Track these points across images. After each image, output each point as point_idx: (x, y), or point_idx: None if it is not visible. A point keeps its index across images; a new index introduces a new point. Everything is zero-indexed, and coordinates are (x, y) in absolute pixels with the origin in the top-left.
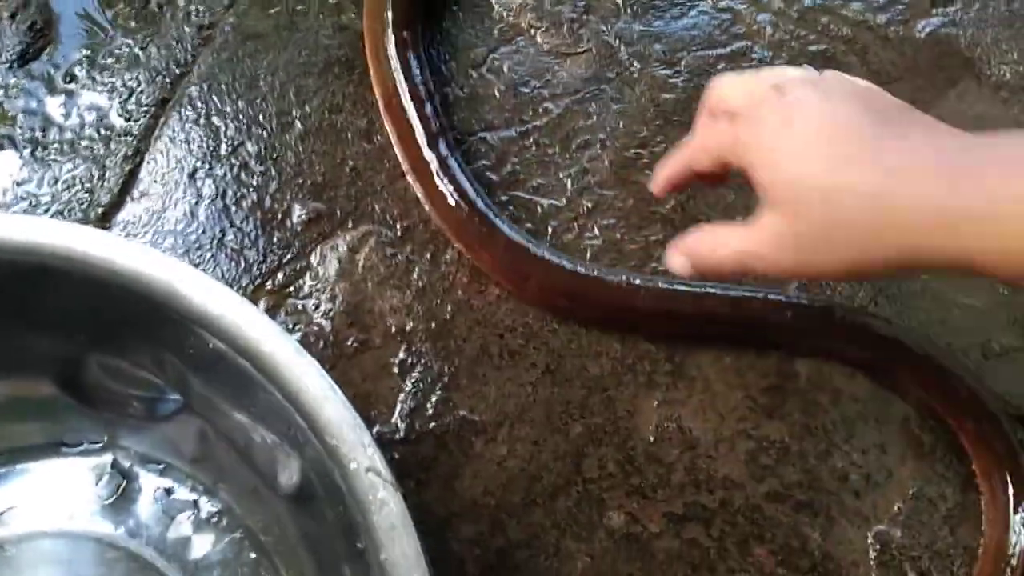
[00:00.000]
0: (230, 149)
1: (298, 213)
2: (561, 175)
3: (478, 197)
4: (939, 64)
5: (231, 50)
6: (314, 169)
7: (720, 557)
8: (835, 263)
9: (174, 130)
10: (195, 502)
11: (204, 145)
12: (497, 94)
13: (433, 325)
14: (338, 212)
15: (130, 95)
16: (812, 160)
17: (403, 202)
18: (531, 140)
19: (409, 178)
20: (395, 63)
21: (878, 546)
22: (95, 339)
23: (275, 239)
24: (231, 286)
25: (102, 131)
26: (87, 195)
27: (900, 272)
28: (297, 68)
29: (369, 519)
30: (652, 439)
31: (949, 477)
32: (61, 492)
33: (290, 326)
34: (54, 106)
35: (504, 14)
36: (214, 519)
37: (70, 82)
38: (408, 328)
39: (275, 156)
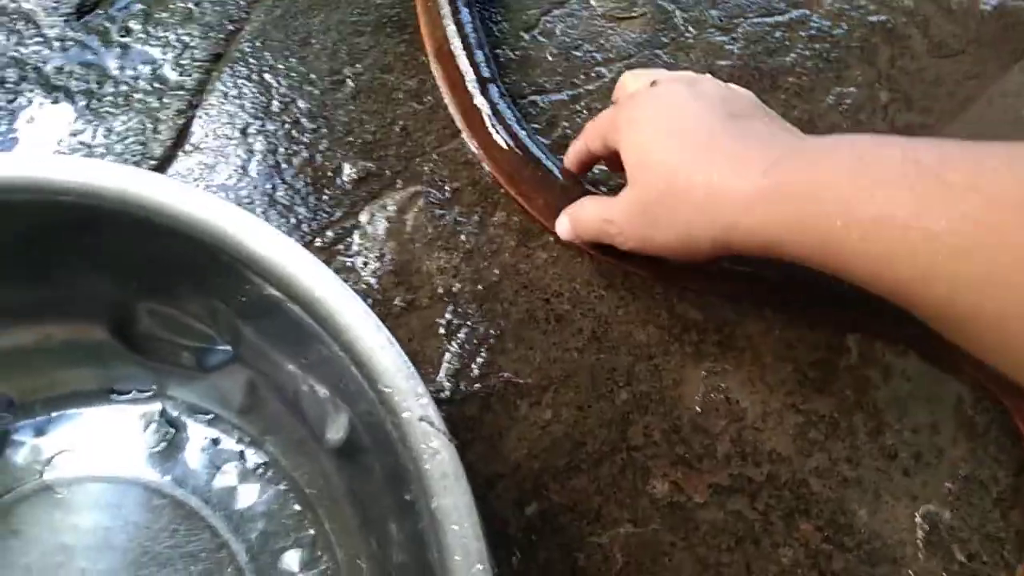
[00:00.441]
0: (282, 106)
1: (348, 172)
2: None
3: (531, 142)
4: (1004, 37)
5: (284, 7)
6: (364, 128)
7: (765, 531)
8: (671, 237)
9: (226, 86)
10: (241, 453)
11: (256, 101)
12: (549, 57)
13: (480, 287)
14: (387, 172)
15: (184, 50)
16: (662, 144)
17: (452, 164)
18: (582, 104)
19: (460, 126)
20: (446, 11)
21: (926, 526)
22: (148, 286)
23: (325, 197)
24: None
25: (156, 85)
26: (140, 147)
27: (724, 251)
28: (349, 27)
29: (421, 468)
30: (699, 409)
31: (1003, 460)
32: (111, 438)
33: None
34: (109, 59)
35: None
36: (259, 470)
37: (125, 36)
38: (455, 290)
39: (326, 114)
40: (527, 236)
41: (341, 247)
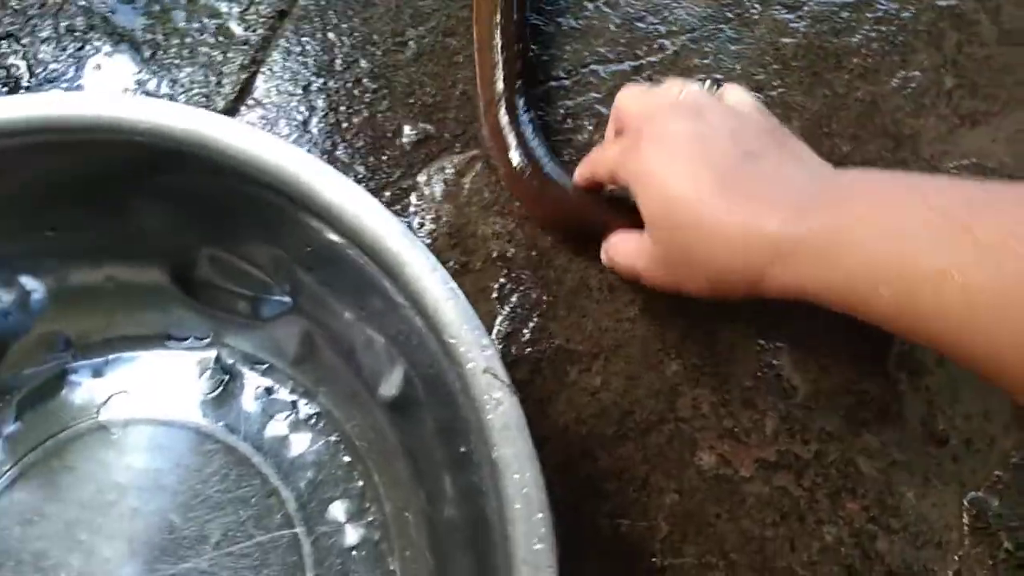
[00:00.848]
0: (344, 65)
1: (408, 133)
2: None
3: (546, 159)
4: None
5: None
6: (425, 91)
7: (810, 508)
8: (699, 285)
9: (290, 43)
10: (294, 403)
11: (319, 60)
12: (612, 27)
13: (534, 254)
14: (446, 135)
15: (249, 5)
16: (674, 191)
17: None
18: (644, 76)
19: (481, 123)
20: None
21: (974, 512)
22: (212, 232)
23: (384, 157)
24: None
25: (220, 39)
26: (203, 99)
27: (760, 296)
28: None
29: (483, 418)
30: (749, 384)
31: None
32: (165, 383)
33: None
34: (176, 12)
35: None
36: (311, 420)
37: None
38: (509, 255)
39: (387, 75)
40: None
41: (398, 207)
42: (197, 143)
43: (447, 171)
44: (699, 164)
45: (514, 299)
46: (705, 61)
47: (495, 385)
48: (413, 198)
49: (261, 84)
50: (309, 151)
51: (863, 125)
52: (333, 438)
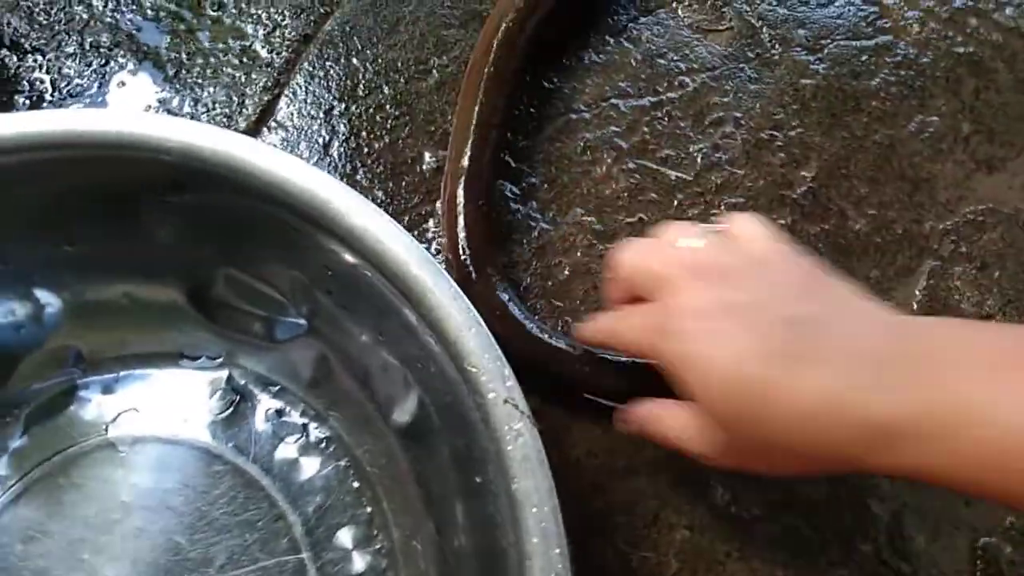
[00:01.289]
0: (367, 91)
1: (428, 160)
2: (691, 149)
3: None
4: None
5: None
6: (446, 119)
7: (821, 549)
8: (781, 470)
9: (314, 66)
10: (304, 426)
11: (342, 84)
12: (633, 63)
13: (550, 284)
14: None
15: (275, 28)
16: (727, 373)
17: (529, 161)
18: (664, 111)
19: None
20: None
21: (986, 558)
22: (231, 251)
23: (404, 182)
24: None
25: (245, 60)
26: (225, 120)
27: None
28: (438, 19)
29: (503, 449)
30: None
31: None
32: (176, 402)
33: None
34: (201, 32)
35: None
36: (322, 444)
37: (218, 10)
38: (525, 284)
39: (410, 102)
40: (600, 237)
41: (416, 233)
42: (224, 164)
43: None
44: (747, 336)
45: None
46: (725, 99)
47: (515, 416)
48: (431, 224)
49: (284, 107)
50: (329, 175)
51: (880, 168)
52: (343, 463)
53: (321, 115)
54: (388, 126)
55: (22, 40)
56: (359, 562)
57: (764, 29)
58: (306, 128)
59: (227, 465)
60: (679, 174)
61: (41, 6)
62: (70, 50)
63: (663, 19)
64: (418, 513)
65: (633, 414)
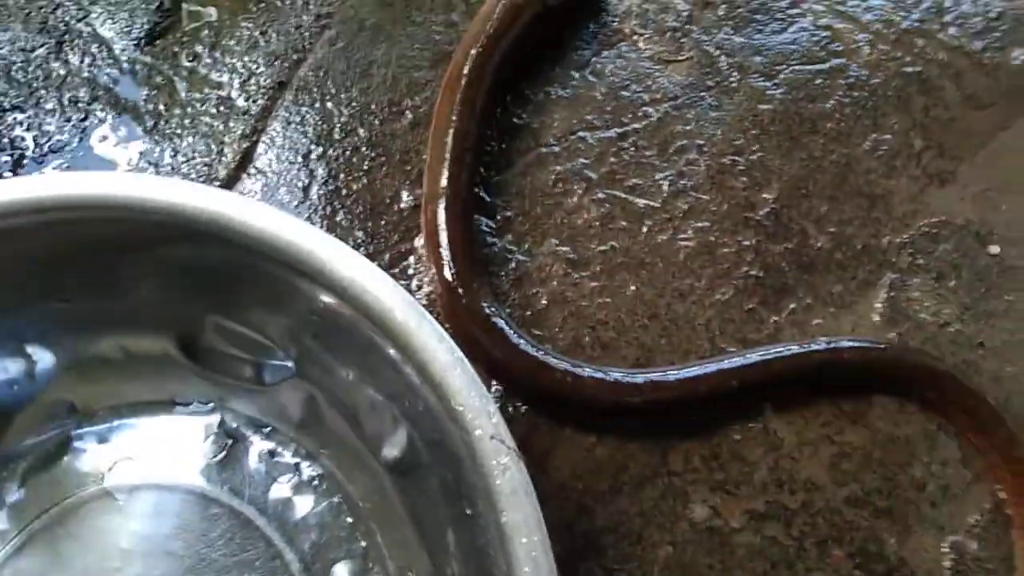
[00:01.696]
0: (343, 134)
1: (405, 199)
2: (658, 177)
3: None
4: None
5: (346, 40)
6: (421, 158)
7: (798, 556)
8: None
9: (290, 112)
10: (297, 465)
11: (318, 128)
12: (599, 96)
13: (528, 313)
14: None
15: (249, 76)
16: None
17: (504, 194)
18: (630, 142)
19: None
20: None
21: (954, 555)
22: (219, 302)
23: (383, 222)
24: None
25: (222, 109)
26: (206, 168)
27: None
28: (409, 61)
29: (491, 483)
30: (738, 438)
31: None
32: (170, 448)
33: None
34: (178, 83)
35: (609, 19)
36: (314, 482)
37: (193, 61)
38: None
39: (385, 143)
40: (575, 265)
41: (397, 271)
42: (209, 221)
43: None
44: None
45: None
46: (687, 127)
47: (502, 451)
48: (411, 260)
49: (262, 153)
50: (310, 217)
51: (839, 186)
52: (336, 499)
53: (299, 159)
54: (365, 167)
55: (1, 99)
56: None
57: (722, 58)
58: (285, 173)
59: (223, 507)
60: (647, 201)
61: (19, 64)
62: (49, 106)
63: (624, 52)
64: (412, 545)
65: None
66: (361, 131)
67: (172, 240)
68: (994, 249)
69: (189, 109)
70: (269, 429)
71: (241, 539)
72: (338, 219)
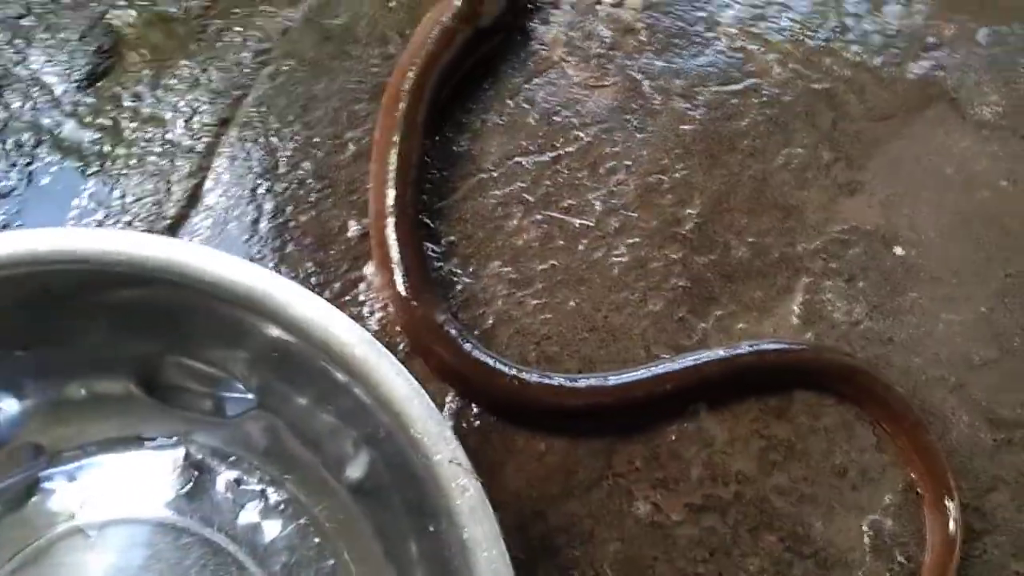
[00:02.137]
0: (288, 167)
1: (352, 228)
2: (590, 197)
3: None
4: (928, 103)
5: (286, 76)
6: (366, 188)
7: (734, 543)
8: None
9: (235, 148)
10: (263, 491)
11: (264, 163)
12: (532, 122)
13: (476, 333)
14: None
15: (193, 114)
16: None
17: (448, 220)
18: (563, 165)
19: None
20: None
21: (872, 533)
22: (179, 343)
23: (332, 252)
24: None
25: (167, 148)
26: (155, 207)
27: None
28: (348, 94)
29: (452, 503)
30: (674, 437)
31: None
32: (139, 482)
33: None
34: (121, 123)
35: (538, 47)
36: (281, 507)
37: (136, 101)
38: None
39: (330, 175)
40: (518, 285)
41: (348, 298)
42: (163, 268)
43: None
44: None
45: None
46: (615, 149)
47: (460, 473)
48: (361, 288)
49: (210, 189)
50: (260, 251)
51: (756, 199)
52: (303, 521)
53: (247, 194)
54: (312, 199)
55: None
56: None
57: (645, 82)
58: (233, 208)
59: (194, 536)
60: (582, 221)
61: None
62: None
63: (554, 79)
64: (378, 561)
65: None
66: (306, 164)
67: (126, 285)
68: (899, 251)
69: (135, 149)
70: (234, 458)
71: (215, 566)
72: (288, 251)
